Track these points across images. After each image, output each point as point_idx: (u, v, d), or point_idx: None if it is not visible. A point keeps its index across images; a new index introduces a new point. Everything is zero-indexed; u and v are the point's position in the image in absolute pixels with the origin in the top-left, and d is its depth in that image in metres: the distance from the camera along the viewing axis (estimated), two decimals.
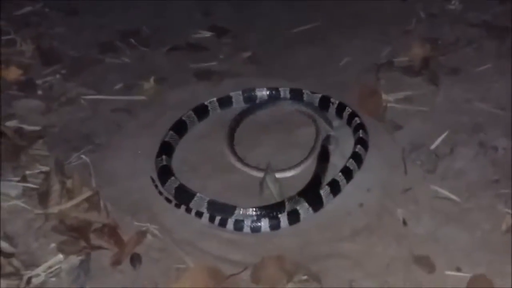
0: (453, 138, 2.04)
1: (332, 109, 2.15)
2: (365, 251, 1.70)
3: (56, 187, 1.85)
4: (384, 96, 2.22)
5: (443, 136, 2.04)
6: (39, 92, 2.33)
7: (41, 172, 1.94)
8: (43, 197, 1.84)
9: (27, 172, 1.94)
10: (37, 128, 2.13)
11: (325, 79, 2.37)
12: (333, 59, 2.49)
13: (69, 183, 1.88)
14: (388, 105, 2.20)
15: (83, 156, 2.02)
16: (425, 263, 1.66)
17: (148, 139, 2.07)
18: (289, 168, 1.94)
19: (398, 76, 2.34)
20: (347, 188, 1.88)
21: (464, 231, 1.74)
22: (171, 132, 2.04)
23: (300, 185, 1.86)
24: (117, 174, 1.97)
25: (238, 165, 1.97)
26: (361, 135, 1.99)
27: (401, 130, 2.09)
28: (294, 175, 1.94)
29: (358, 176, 1.92)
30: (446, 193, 1.85)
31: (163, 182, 1.88)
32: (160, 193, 1.86)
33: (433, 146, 2.01)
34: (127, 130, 2.15)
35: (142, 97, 2.30)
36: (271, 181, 1.87)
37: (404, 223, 1.77)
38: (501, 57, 2.38)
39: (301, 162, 1.96)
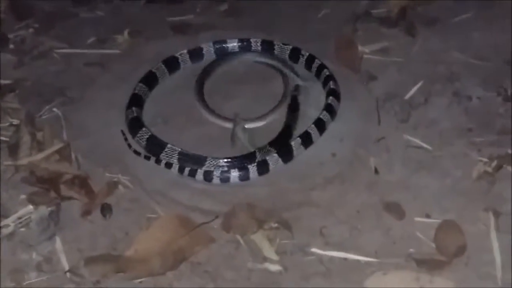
0: (428, 88, 2.02)
1: (302, 61, 2.12)
2: (336, 199, 1.71)
3: (26, 139, 1.84)
4: (360, 48, 2.19)
5: (417, 86, 2.02)
6: (11, 46, 2.29)
7: (12, 125, 1.93)
8: (13, 149, 1.83)
9: None
10: (8, 81, 2.11)
11: (303, 31, 2.34)
12: (311, 11, 2.45)
13: (39, 135, 1.87)
14: (364, 56, 2.17)
15: (54, 109, 2.00)
16: (395, 209, 1.67)
17: (122, 92, 2.03)
18: (258, 118, 1.93)
19: (375, 27, 2.31)
20: (320, 139, 1.87)
21: (435, 178, 1.74)
22: (140, 84, 2.01)
23: (272, 135, 1.85)
24: (89, 126, 1.95)
25: (209, 116, 1.95)
26: (332, 86, 1.97)
27: (376, 81, 2.08)
28: (264, 124, 1.92)
29: (331, 126, 1.91)
30: (418, 141, 1.85)
31: (134, 134, 1.87)
32: (129, 145, 1.84)
33: (407, 96, 2.00)
34: (100, 83, 2.12)
35: (116, 51, 2.27)
36: (240, 131, 1.86)
37: (376, 171, 1.77)
38: (480, 7, 2.35)
39: (270, 112, 1.94)
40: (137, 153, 1.82)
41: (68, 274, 1.54)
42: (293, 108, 1.94)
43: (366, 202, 1.69)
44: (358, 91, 2.04)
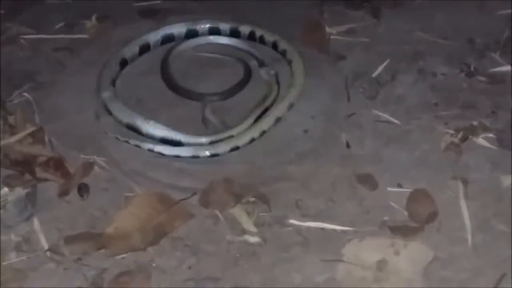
0: (394, 66, 2.08)
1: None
2: (311, 173, 1.75)
3: None
4: (327, 29, 2.24)
5: (384, 64, 2.08)
6: None
7: None
8: None
9: None
10: None
11: (271, 16, 2.36)
12: None
13: (11, 119, 1.85)
14: (332, 37, 2.22)
15: (25, 94, 1.98)
16: (368, 181, 1.72)
17: (92, 76, 2.03)
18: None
19: (340, 10, 2.35)
20: (291, 117, 1.92)
21: (404, 151, 1.80)
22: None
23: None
24: (61, 110, 1.94)
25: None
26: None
27: (344, 61, 2.12)
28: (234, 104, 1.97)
29: (302, 104, 1.95)
30: (387, 117, 1.91)
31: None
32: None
33: (374, 74, 2.05)
34: (70, 68, 2.11)
35: (84, 36, 2.26)
36: (210, 113, 1.89)
37: (348, 145, 1.82)
38: None
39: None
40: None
41: (48, 253, 1.53)
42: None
43: (339, 175, 1.74)
44: (327, 71, 2.09)
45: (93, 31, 2.28)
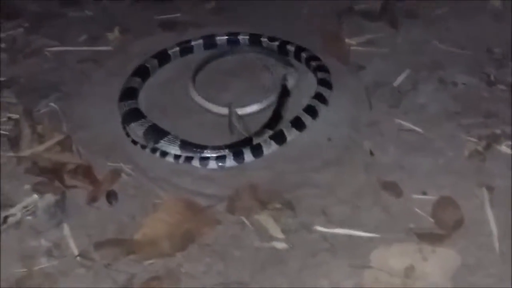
0: (414, 76, 2.11)
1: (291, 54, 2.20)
2: (336, 180, 1.76)
3: (26, 132, 1.85)
4: (347, 40, 2.28)
5: (405, 74, 2.11)
6: (3, 45, 2.30)
7: (10, 119, 1.94)
8: (14, 142, 1.84)
9: None
10: (3, 78, 2.12)
11: (290, 28, 2.39)
12: (295, 8, 2.52)
13: (39, 128, 1.88)
14: (351, 48, 2.25)
15: (52, 103, 2.02)
16: (393, 188, 1.73)
17: (116, 86, 2.06)
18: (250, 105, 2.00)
19: (359, 21, 2.40)
20: (315, 125, 1.94)
21: (428, 158, 1.82)
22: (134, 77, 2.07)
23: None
24: (88, 119, 1.97)
25: (205, 104, 2.00)
26: (321, 76, 2.05)
27: (365, 70, 2.15)
28: (257, 112, 1.98)
29: (325, 113, 1.97)
30: (409, 125, 1.92)
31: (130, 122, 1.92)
32: (128, 134, 1.88)
33: (396, 83, 2.08)
34: (94, 78, 2.15)
35: (107, 48, 2.30)
36: (235, 119, 1.91)
37: (371, 153, 1.84)
38: (456, 2, 2.46)
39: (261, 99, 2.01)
40: (135, 142, 1.85)
41: (78, 258, 1.55)
42: (282, 95, 2.01)
43: (364, 182, 1.75)
44: (348, 81, 2.11)
45: (115, 43, 2.32)
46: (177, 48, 2.21)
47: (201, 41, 2.24)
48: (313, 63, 2.12)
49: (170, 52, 2.20)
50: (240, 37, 2.26)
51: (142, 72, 2.11)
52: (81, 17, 2.49)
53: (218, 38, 2.26)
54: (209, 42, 2.25)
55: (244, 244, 1.60)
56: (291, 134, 1.88)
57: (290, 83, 2.04)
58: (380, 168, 1.80)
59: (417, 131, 1.91)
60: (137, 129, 1.89)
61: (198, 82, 2.10)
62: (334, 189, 1.73)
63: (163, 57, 2.18)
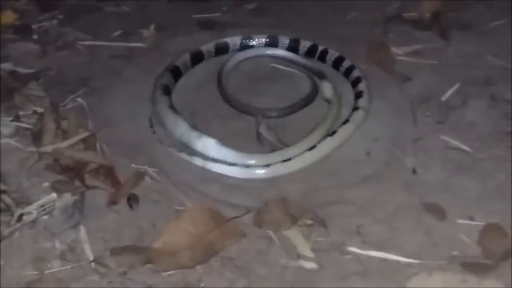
0: (464, 90, 1.96)
1: (329, 62, 2.08)
2: (373, 198, 1.63)
3: (50, 126, 1.77)
4: (393, 49, 2.14)
5: (454, 88, 1.96)
6: (35, 36, 2.24)
7: (35, 113, 1.86)
8: (37, 136, 1.77)
9: (21, 113, 1.86)
10: (31, 70, 2.05)
11: (332, 32, 2.28)
12: (340, 13, 2.41)
13: (64, 123, 1.80)
14: (397, 58, 2.12)
15: (79, 99, 1.94)
16: (436, 210, 1.59)
17: (147, 84, 1.98)
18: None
19: (407, 30, 2.26)
20: (353, 138, 1.81)
21: (476, 180, 1.67)
22: (168, 73, 1.97)
23: (298, 130, 1.81)
24: (114, 117, 1.89)
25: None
26: (360, 89, 1.92)
27: (411, 82, 2.01)
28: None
29: (365, 125, 1.85)
30: (457, 143, 1.78)
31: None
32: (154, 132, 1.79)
33: (443, 98, 1.93)
34: (125, 75, 2.07)
35: (141, 44, 2.22)
36: (265, 130, 1.80)
37: (414, 171, 1.70)
38: None
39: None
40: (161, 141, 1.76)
41: (93, 264, 1.45)
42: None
43: (404, 202, 1.62)
44: (392, 92, 1.98)
45: (150, 40, 2.24)
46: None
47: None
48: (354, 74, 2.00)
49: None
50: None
51: None
52: (117, 12, 2.42)
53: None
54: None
55: (270, 261, 1.48)
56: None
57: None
58: (423, 188, 1.66)
59: (465, 150, 1.76)
60: None
61: (230, 85, 1.99)
62: (371, 208, 1.60)
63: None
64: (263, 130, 1.80)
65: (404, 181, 1.68)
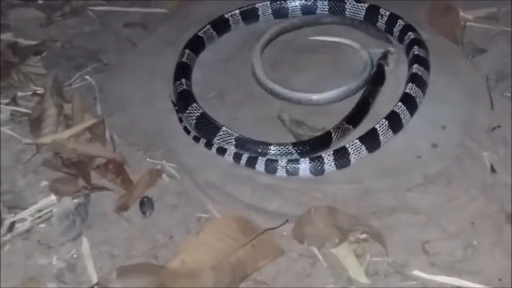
0: None
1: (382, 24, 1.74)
2: (442, 205, 1.34)
3: (51, 111, 1.50)
4: (462, 14, 1.79)
5: None
6: (40, 1, 1.95)
7: (35, 94, 1.61)
8: (35, 124, 1.50)
9: (19, 94, 1.60)
10: (34, 42, 1.79)
11: None
12: None
13: (68, 108, 1.53)
14: (467, 24, 1.78)
15: (87, 76, 1.67)
16: None
17: (167, 59, 1.70)
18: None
19: None
20: (414, 124, 1.50)
21: None
22: (187, 50, 1.66)
23: (329, 118, 1.50)
24: (128, 99, 1.62)
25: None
26: (417, 52, 1.59)
27: (484, 55, 1.69)
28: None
29: (430, 110, 1.52)
30: None
31: (182, 110, 1.51)
32: (181, 120, 1.50)
33: None
34: (142, 47, 1.79)
35: (162, 10, 1.91)
36: (295, 126, 1.50)
37: (492, 170, 1.40)
38: None
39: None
40: (187, 131, 1.46)
41: None
42: (377, 80, 1.57)
43: (482, 210, 1.32)
44: (461, 67, 1.67)
45: (172, 5, 1.92)
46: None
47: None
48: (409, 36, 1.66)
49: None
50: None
51: None
52: None
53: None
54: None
55: (314, 287, 1.22)
56: (386, 137, 1.44)
57: (390, 67, 1.59)
58: (504, 192, 1.36)
59: None
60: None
61: (266, 60, 1.67)
62: (439, 218, 1.32)
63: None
64: (293, 128, 1.49)
65: (480, 183, 1.39)
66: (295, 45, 1.75)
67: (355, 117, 1.49)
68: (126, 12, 1.90)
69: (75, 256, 1.26)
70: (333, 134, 1.44)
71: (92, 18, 1.88)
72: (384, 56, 1.61)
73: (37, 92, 1.59)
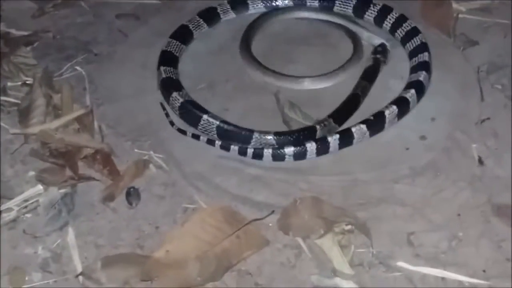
0: None
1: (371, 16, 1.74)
2: (429, 197, 1.33)
3: (40, 102, 1.50)
4: (454, 5, 1.79)
5: None
6: None
7: (25, 84, 1.60)
8: (24, 114, 1.50)
9: (9, 84, 1.60)
10: (25, 33, 1.79)
11: None
12: None
13: (57, 98, 1.53)
14: (460, 15, 1.76)
15: (77, 67, 1.67)
16: (508, 214, 1.28)
17: (158, 50, 1.67)
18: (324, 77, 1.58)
19: None
20: (404, 117, 1.48)
21: None
22: (172, 40, 1.66)
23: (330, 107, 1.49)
24: (118, 90, 1.61)
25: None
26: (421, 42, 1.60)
27: (476, 47, 1.69)
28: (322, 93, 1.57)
29: (420, 102, 1.51)
30: None
31: (166, 99, 1.53)
32: (172, 123, 1.49)
33: None
34: (133, 38, 1.79)
35: (154, 1, 1.90)
36: (288, 108, 1.48)
37: (480, 162, 1.39)
38: None
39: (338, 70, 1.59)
40: (182, 131, 1.46)
41: (80, 278, 1.19)
42: (369, 75, 1.55)
43: (468, 202, 1.31)
44: (453, 59, 1.66)
45: None
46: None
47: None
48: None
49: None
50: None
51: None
52: None
53: None
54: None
55: (298, 278, 1.21)
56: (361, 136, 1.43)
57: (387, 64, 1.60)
58: (492, 183, 1.35)
59: None
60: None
61: (257, 51, 1.66)
62: (426, 210, 1.31)
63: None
64: (286, 109, 1.49)
65: (468, 175, 1.37)
66: (285, 37, 1.75)
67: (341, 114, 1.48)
68: (118, 3, 1.89)
69: (60, 245, 1.26)
70: (318, 129, 1.43)
71: (84, 9, 1.88)
72: (383, 51, 1.61)
73: (27, 82, 1.59)
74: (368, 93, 1.53)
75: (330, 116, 1.45)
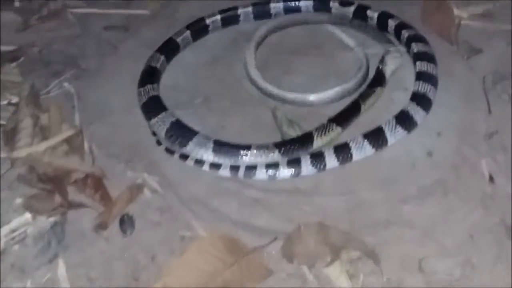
0: None
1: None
2: (439, 218, 1.26)
3: (26, 123, 1.43)
4: (456, 11, 1.71)
5: None
6: (16, 3, 1.88)
7: (10, 104, 1.52)
8: (10, 136, 1.43)
9: None
10: (10, 48, 1.71)
11: None
12: None
13: (44, 118, 1.45)
14: (462, 22, 1.70)
15: (65, 83, 1.60)
16: None
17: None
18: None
19: None
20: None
21: None
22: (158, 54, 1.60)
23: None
24: (108, 107, 1.54)
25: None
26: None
27: (481, 55, 1.61)
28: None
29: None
30: None
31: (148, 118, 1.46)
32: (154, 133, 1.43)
33: None
34: (123, 51, 1.71)
35: (144, 11, 1.83)
36: (285, 124, 1.43)
37: (491, 179, 1.31)
38: None
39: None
40: (170, 151, 1.39)
41: None
42: (373, 83, 1.50)
43: (481, 223, 1.25)
44: (456, 68, 1.59)
45: (155, 6, 1.84)
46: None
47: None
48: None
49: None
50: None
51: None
52: None
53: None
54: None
55: None
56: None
57: (389, 68, 1.51)
58: (505, 202, 1.28)
59: None
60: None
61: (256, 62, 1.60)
62: (436, 232, 1.24)
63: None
64: (285, 127, 1.42)
65: (479, 193, 1.31)
66: (284, 47, 1.68)
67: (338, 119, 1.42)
68: (107, 14, 1.83)
69: (51, 280, 1.18)
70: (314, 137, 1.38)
71: (71, 21, 1.81)
72: (383, 60, 1.54)
73: (12, 102, 1.51)
74: (371, 99, 1.47)
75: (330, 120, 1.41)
